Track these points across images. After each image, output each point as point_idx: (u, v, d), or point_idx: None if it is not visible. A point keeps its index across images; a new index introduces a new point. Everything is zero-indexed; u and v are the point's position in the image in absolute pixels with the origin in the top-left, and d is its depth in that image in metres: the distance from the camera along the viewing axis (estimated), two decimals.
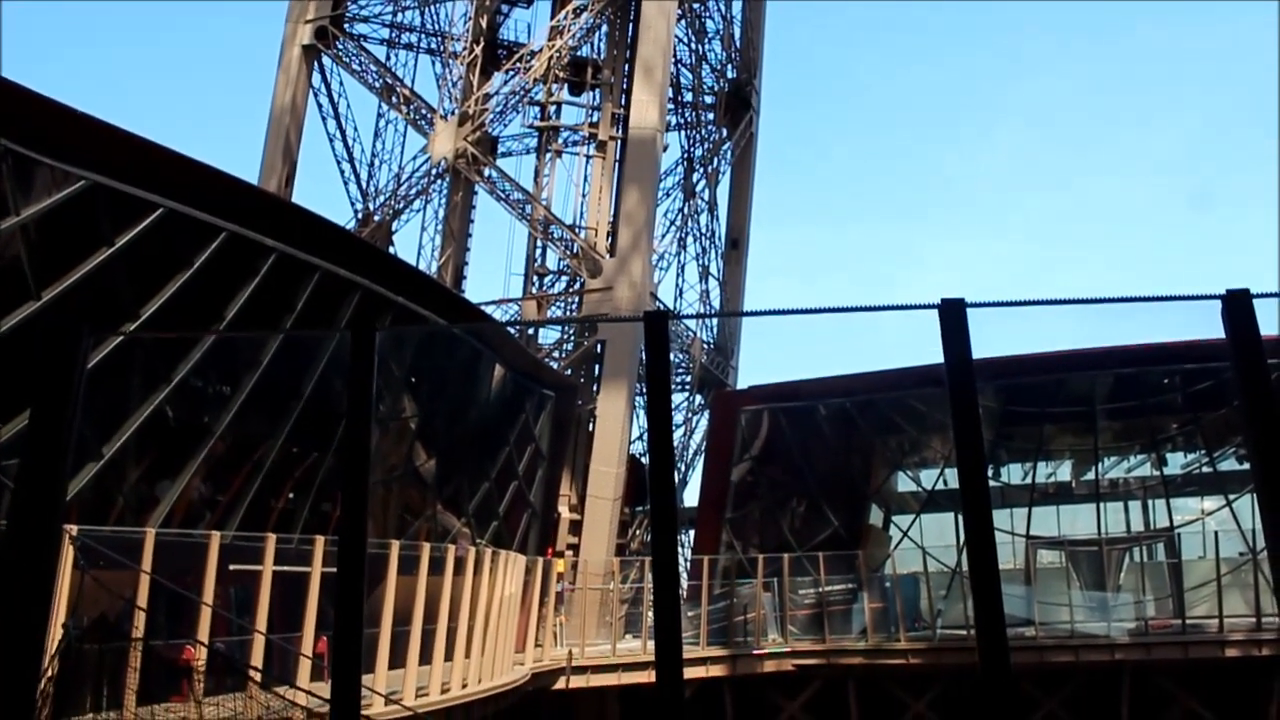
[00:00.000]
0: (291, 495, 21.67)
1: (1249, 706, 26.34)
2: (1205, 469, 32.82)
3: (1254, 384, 4.23)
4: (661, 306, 42.51)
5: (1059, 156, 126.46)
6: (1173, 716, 27.02)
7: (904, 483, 34.66)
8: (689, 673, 25.98)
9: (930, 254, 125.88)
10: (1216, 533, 29.36)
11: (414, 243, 45.50)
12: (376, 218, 42.52)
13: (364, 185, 44.18)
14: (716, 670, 28.36)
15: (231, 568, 15.37)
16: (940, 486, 32.84)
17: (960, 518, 31.57)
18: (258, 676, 14.27)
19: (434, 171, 41.37)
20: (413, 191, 42.49)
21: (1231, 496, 30.89)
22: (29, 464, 4.41)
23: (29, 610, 4.22)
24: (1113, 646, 27.21)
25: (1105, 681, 27.13)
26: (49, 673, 9.55)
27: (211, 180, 18.47)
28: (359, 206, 43.59)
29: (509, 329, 34.39)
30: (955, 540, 31.65)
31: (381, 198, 43.35)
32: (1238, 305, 4.31)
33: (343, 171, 43.94)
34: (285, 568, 15.79)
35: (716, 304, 48.10)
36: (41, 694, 9.23)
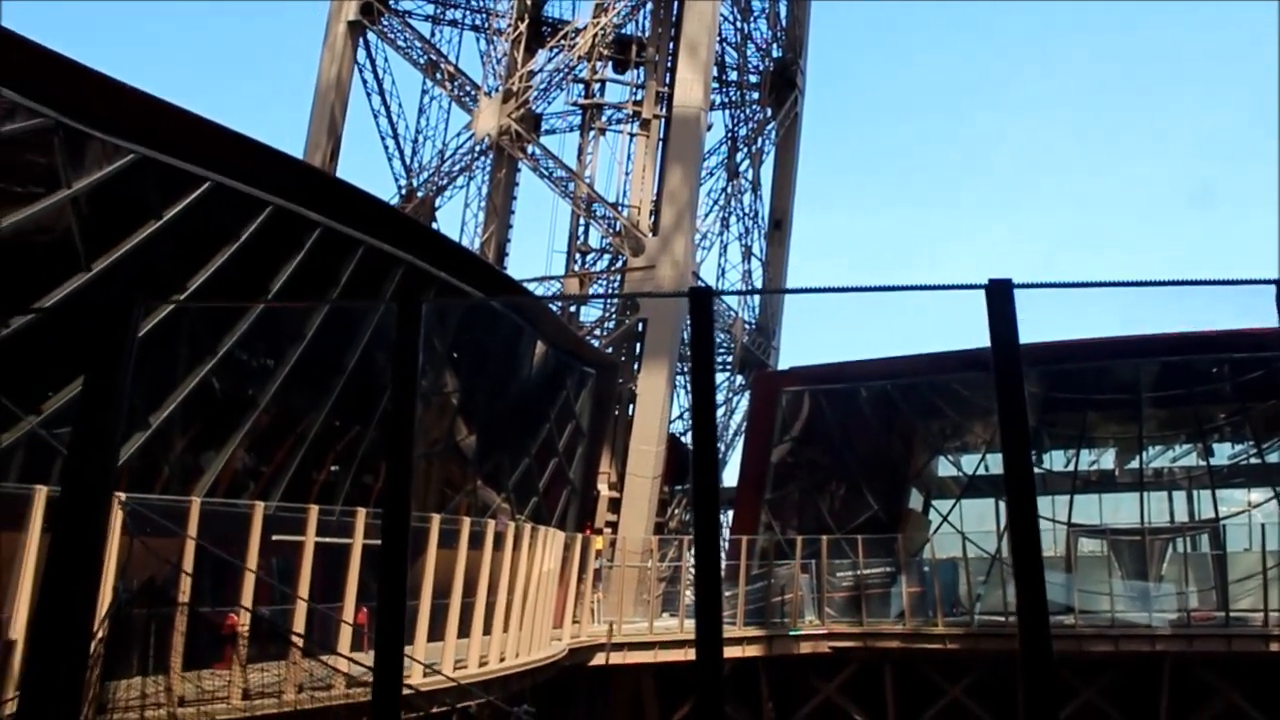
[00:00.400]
0: (333, 468, 21.89)
1: None
2: (1253, 460, 32.34)
3: None
4: (704, 286, 42.36)
5: (1096, 143, 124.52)
6: (1214, 710, 26.71)
7: (945, 467, 34.46)
8: (725, 652, 26.04)
9: (969, 242, 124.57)
10: (1263, 525, 28.95)
11: (457, 219, 45.83)
12: (420, 194, 42.70)
13: (408, 161, 44.38)
14: (753, 650, 28.41)
15: (274, 538, 15.54)
16: (981, 472, 32.63)
17: (1001, 504, 31.47)
18: (300, 642, 14.47)
19: (477, 148, 41.47)
20: (456, 168, 42.64)
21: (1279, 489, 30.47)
22: (82, 428, 4.48)
23: (82, 572, 4.29)
24: (1153, 637, 26.94)
25: (1145, 672, 26.88)
26: (99, 634, 9.72)
27: (258, 155, 18.63)
28: (403, 182, 43.81)
29: (552, 305, 34.49)
30: (995, 526, 31.45)
31: (425, 174, 43.53)
32: None
33: (387, 148, 44.20)
34: (327, 539, 15.96)
35: (759, 284, 47.98)
36: (93, 654, 9.41)
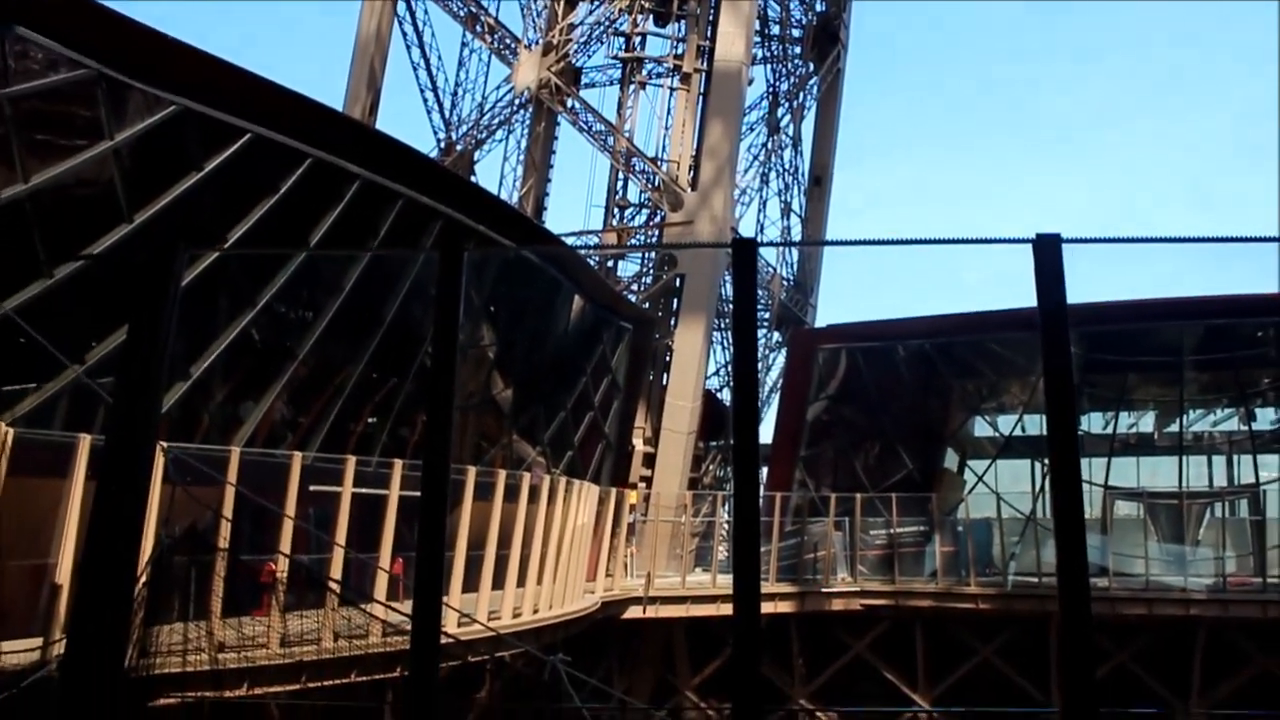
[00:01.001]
0: (371, 419, 22.06)
1: None
2: None
3: None
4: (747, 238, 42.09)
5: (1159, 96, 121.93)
6: (1248, 676, 26.55)
7: (981, 427, 34.33)
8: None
9: (1018, 201, 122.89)
10: None
11: (496, 173, 45.63)
12: (459, 147, 42.62)
13: (447, 114, 44.23)
14: (785, 607, 28.52)
15: (311, 488, 15.70)
16: (1018, 433, 32.46)
17: (1037, 465, 31.35)
18: (337, 588, 14.66)
19: (517, 101, 41.27)
20: (495, 121, 42.48)
21: None
22: (126, 376, 4.52)
23: (126, 519, 4.35)
24: (1188, 601, 26.76)
25: (1179, 637, 26.74)
26: (142, 579, 9.90)
27: (298, 107, 18.62)
28: (441, 136, 43.71)
29: (591, 258, 34.40)
30: (1030, 487, 31.34)
31: (464, 127, 43.41)
32: None
33: (426, 101, 44.04)
34: (364, 490, 16.11)
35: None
36: (137, 599, 9.58)
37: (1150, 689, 26.23)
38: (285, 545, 14.26)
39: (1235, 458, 31.94)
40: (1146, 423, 33.66)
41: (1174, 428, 32.46)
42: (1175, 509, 29.99)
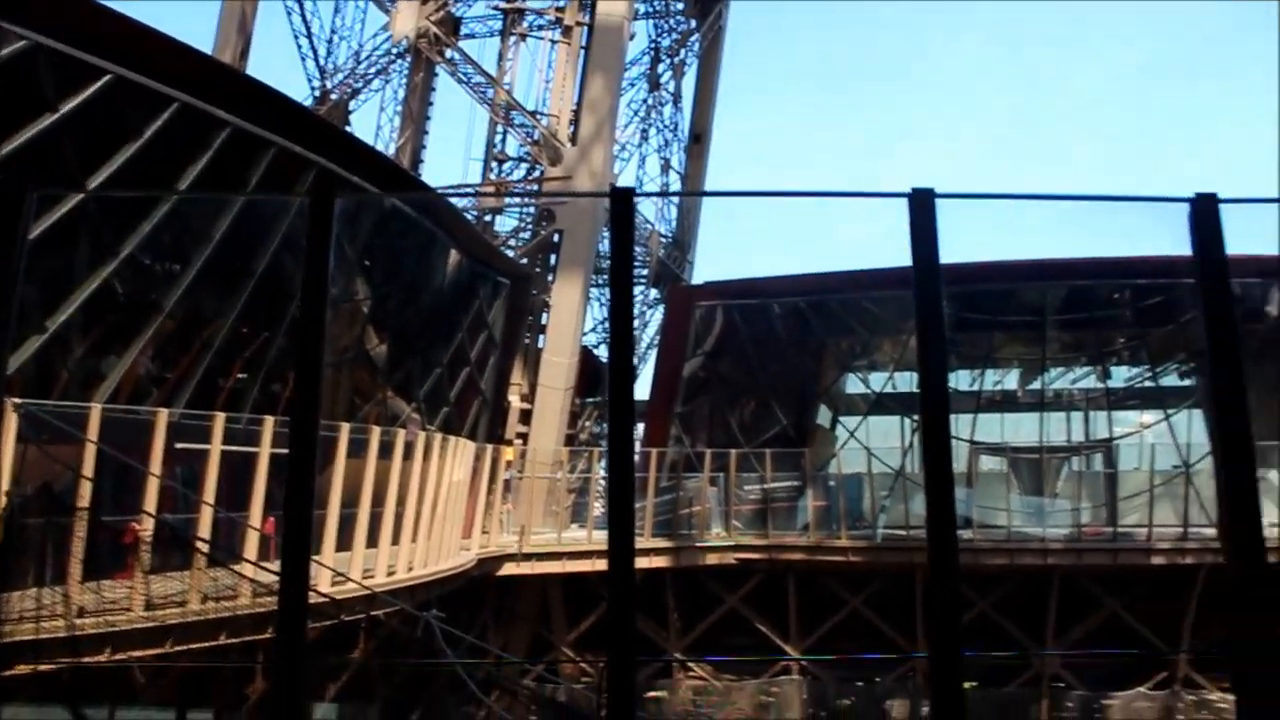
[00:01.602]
0: (241, 375, 21.48)
1: (1169, 613, 27.25)
2: (1147, 383, 33.49)
3: (1214, 292, 4.24)
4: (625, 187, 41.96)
5: (1046, 54, 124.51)
6: (1098, 620, 27.92)
7: (853, 384, 35.05)
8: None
9: (899, 160, 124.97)
10: (1153, 445, 30.08)
11: (371, 124, 44.67)
12: (334, 96, 41.54)
13: (321, 62, 42.98)
14: (660, 561, 28.82)
15: (178, 446, 15.25)
16: (889, 390, 33.25)
17: (907, 421, 32.19)
18: (205, 548, 14.30)
19: (394, 51, 40.35)
20: (372, 70, 41.51)
21: (1170, 411, 31.60)
22: None
23: None
24: (1046, 551, 27.93)
25: (1036, 585, 27.92)
26: None
27: (163, 48, 17.84)
28: (316, 84, 42.49)
29: (469, 211, 33.95)
30: (900, 443, 32.17)
31: (339, 76, 42.28)
32: (1205, 209, 4.30)
33: (300, 47, 42.72)
34: (233, 447, 15.71)
35: (677, 199, 47.81)
36: None
37: (1009, 634, 27.33)
38: (150, 505, 13.82)
39: (1091, 414, 33.33)
40: (1011, 380, 34.82)
41: (1036, 385, 33.64)
42: (1036, 463, 31.17)
